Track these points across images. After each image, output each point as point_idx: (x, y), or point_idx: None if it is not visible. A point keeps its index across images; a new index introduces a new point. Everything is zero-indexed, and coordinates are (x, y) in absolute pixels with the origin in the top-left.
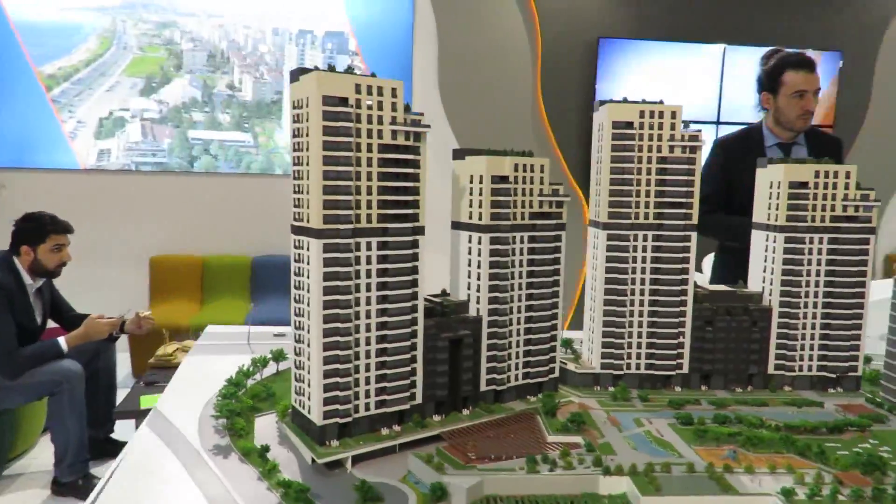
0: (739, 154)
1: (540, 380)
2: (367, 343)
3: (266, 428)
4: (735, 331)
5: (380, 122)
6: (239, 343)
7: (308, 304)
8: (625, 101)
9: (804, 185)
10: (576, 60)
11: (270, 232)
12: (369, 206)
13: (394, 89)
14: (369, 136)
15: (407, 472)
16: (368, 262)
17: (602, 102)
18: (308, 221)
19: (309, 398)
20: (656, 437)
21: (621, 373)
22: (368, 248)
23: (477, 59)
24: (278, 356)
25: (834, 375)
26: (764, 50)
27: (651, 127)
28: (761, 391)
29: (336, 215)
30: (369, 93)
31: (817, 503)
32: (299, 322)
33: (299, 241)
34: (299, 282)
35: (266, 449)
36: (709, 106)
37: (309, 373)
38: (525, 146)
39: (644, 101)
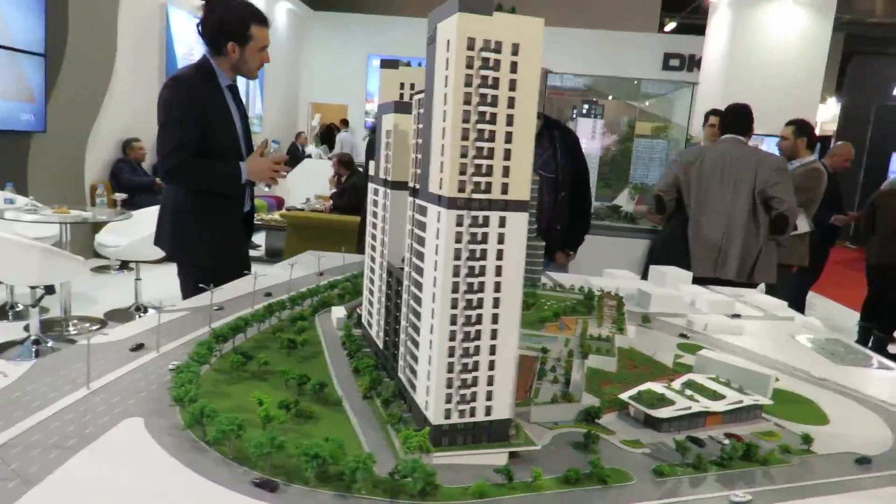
0: (203, 92)
1: None
2: None
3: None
4: None
5: None
6: None
7: (494, 291)
8: None
9: None
10: None
11: None
12: None
13: None
14: None
15: (538, 422)
16: None
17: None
18: (505, 193)
19: (488, 398)
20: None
21: None
22: None
23: None
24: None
25: None
26: None
27: None
28: None
29: None
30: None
31: (621, 325)
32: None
33: (480, 217)
34: (467, 267)
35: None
36: (34, 36)
37: (491, 369)
38: None
39: None
